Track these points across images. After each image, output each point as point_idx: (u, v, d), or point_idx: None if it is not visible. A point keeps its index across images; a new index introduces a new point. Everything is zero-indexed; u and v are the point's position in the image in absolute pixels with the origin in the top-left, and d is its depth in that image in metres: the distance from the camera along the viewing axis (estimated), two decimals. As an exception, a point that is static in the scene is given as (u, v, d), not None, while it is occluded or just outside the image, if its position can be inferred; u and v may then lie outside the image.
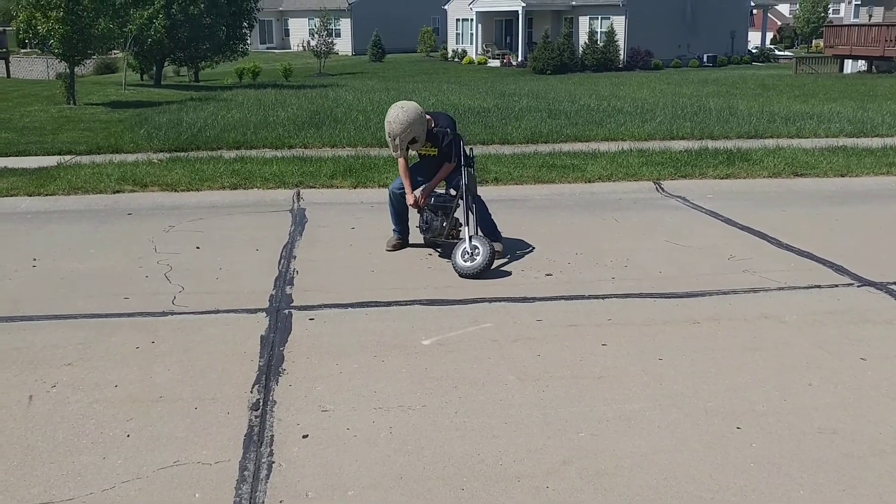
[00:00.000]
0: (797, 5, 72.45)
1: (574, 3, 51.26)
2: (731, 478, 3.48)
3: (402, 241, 7.01)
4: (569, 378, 4.42)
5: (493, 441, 3.77)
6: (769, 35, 70.51)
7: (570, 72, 43.61)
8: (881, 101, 20.66)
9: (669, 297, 5.69)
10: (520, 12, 50.70)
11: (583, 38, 47.98)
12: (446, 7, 58.84)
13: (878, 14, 37.31)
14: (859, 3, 39.44)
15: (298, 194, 9.02)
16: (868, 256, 6.69)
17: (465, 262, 6.21)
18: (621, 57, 46.86)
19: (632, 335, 5.02)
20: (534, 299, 5.65)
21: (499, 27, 55.57)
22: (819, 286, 5.96)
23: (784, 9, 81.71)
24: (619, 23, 47.85)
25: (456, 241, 6.59)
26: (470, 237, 6.30)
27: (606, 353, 4.76)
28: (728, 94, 23.28)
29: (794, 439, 3.81)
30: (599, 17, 49.39)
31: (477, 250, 6.21)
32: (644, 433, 3.85)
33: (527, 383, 4.35)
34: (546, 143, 12.01)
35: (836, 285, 5.99)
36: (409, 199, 6.71)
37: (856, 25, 37.70)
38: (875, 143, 12.15)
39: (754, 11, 58.98)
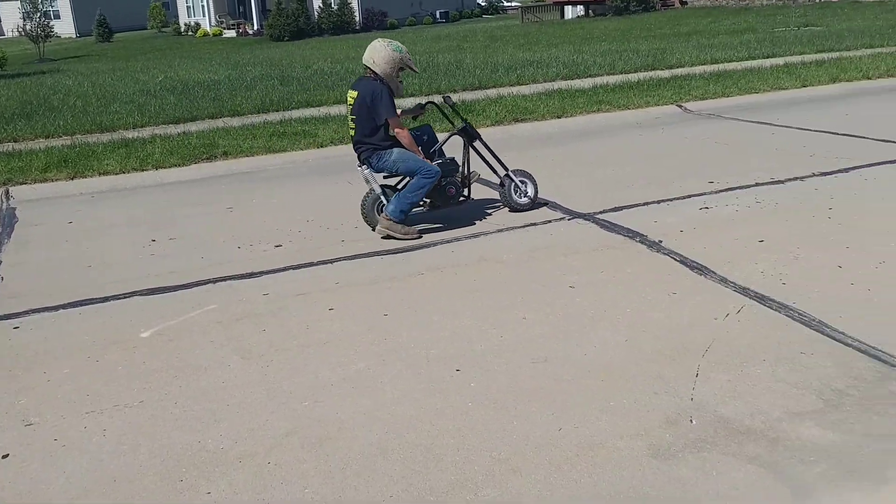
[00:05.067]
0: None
1: (304, -33, 50.45)
2: (450, 420, 3.59)
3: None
4: (295, 349, 4.37)
5: (215, 426, 3.65)
6: (497, -12, 73.24)
7: (307, 37, 43.09)
8: (596, 42, 22.17)
9: (396, 254, 5.78)
10: (250, -21, 49.31)
11: (317, 2, 47.51)
12: (172, -21, 56.08)
13: (589, -38, 39.83)
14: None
15: (7, 193, 8.26)
16: (579, 191, 7.14)
17: (519, 198, 6.62)
18: (357, 19, 46.93)
19: (359, 295, 5.05)
20: (261, 273, 5.53)
21: (231, -4, 53.78)
22: (534, 224, 6.29)
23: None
24: (351, -16, 47.77)
25: (464, 199, 6.52)
26: (510, 174, 6.57)
27: (333, 317, 4.75)
28: (458, 48, 23.98)
29: (509, 373, 3.99)
30: (331, -21, 49.01)
31: (525, 183, 6.63)
32: (368, 391, 3.88)
33: (251, 361, 4.25)
34: (277, 111, 11.77)
35: (550, 221, 6.35)
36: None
37: (570, -26, 40.10)
38: (586, 83, 13.00)
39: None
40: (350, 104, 6.11)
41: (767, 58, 14.45)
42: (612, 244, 5.75)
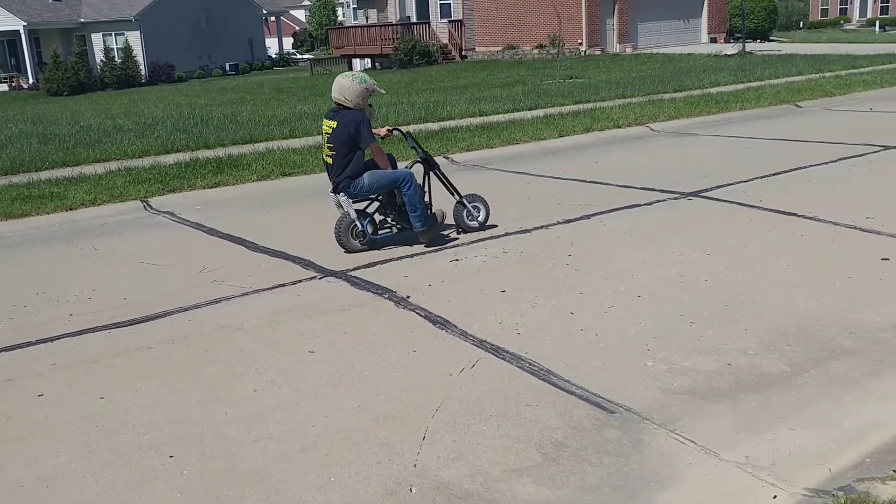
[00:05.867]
0: (310, 11, 76.28)
1: (83, 19, 48.48)
2: (153, 515, 3.29)
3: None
4: (-11, 445, 3.90)
5: None
6: (288, 40, 73.40)
7: (89, 91, 41.16)
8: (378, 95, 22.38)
9: (127, 326, 5.37)
10: (22, 31, 46.56)
11: (99, 56, 45.57)
12: (-69, 29, 51.98)
13: (373, 16, 40.64)
14: (356, 6, 42.53)
15: None
16: (335, 248, 6.92)
17: (471, 221, 7.13)
18: (143, 72, 45.36)
19: (76, 377, 4.62)
20: (-33, 358, 4.97)
21: (1, 48, 50.54)
22: (283, 285, 6.08)
23: (301, 14, 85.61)
24: (134, 38, 46.27)
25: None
26: (463, 200, 7.09)
27: (42, 404, 4.31)
28: (242, 101, 23.55)
29: (228, 455, 3.72)
30: (113, 32, 47.36)
31: (477, 208, 7.19)
32: (66, 489, 3.50)
33: (-68, 465, 3.74)
34: (27, 172, 10.90)
35: (300, 280, 6.16)
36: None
37: (357, 27, 40.70)
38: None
39: (271, 18, 60.88)
40: (327, 133, 6.63)
41: (530, 110, 15.08)
42: (360, 302, 5.64)
